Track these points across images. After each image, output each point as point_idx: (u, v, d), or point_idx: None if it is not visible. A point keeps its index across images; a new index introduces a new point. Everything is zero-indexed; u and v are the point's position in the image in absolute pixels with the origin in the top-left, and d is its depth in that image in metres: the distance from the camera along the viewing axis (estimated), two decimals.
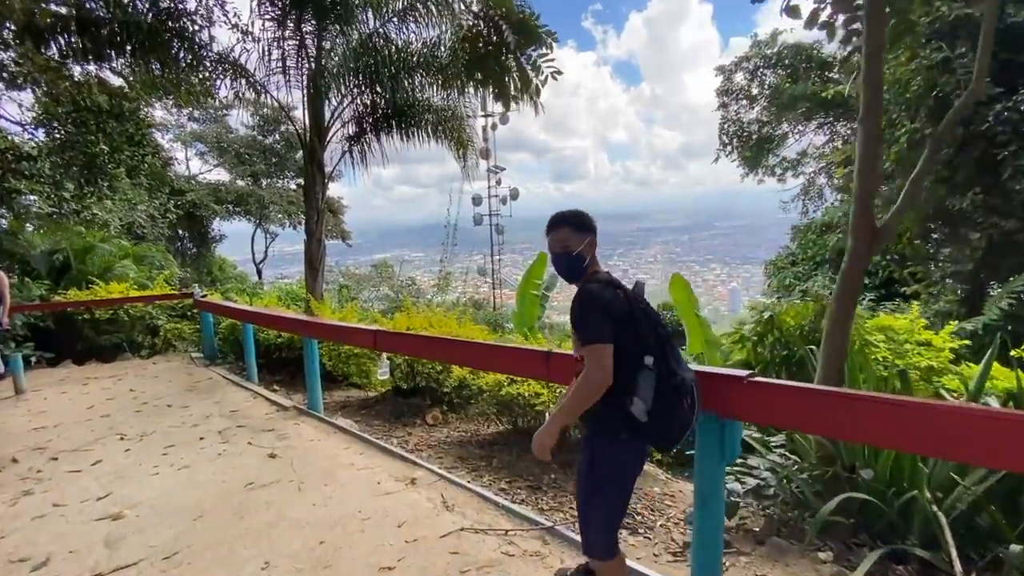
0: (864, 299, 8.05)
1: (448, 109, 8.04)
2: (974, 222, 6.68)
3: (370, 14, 7.17)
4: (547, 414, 2.45)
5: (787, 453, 2.92)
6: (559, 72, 3.97)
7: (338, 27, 7.05)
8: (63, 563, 2.77)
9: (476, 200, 22.33)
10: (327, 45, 7.33)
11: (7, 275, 5.80)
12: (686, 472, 4.36)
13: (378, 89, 7.66)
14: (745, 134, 14.30)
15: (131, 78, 8.27)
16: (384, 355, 4.10)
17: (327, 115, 7.63)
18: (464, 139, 8.13)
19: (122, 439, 4.64)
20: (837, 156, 9.90)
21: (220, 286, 15.50)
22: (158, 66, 7.31)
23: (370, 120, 7.98)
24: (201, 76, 7.84)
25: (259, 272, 22.02)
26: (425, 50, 7.32)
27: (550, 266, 12.25)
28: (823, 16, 3.56)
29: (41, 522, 3.22)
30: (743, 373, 2.12)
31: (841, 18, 3.51)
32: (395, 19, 7.22)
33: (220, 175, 21.06)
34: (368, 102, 7.72)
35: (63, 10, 6.73)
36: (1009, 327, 5.56)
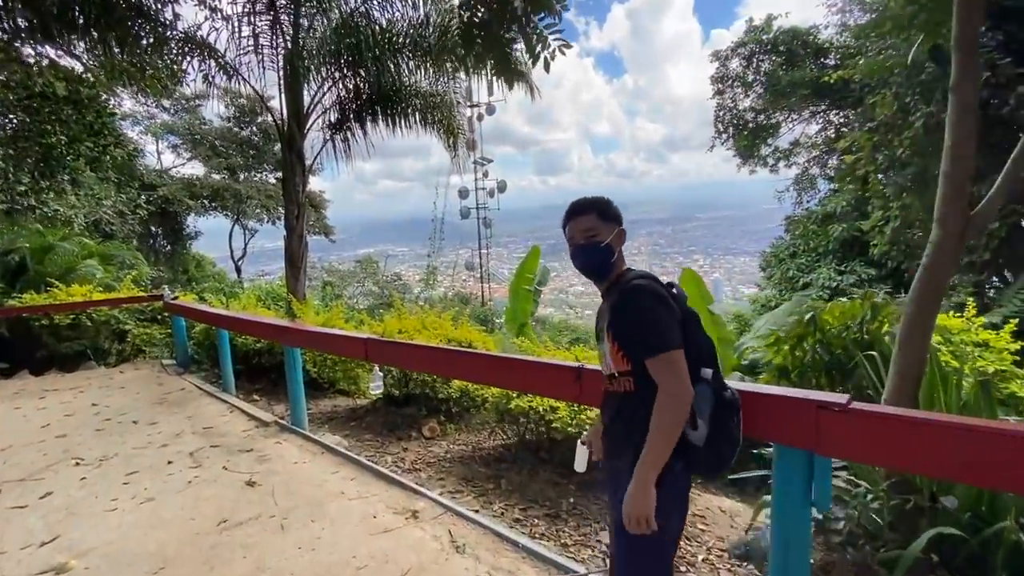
0: (880, 291, 7.76)
1: (437, 95, 7.51)
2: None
3: None
4: (580, 442, 2.00)
5: (853, 478, 2.52)
6: (568, 45, 3.49)
7: (314, 1, 6.46)
8: None
9: (463, 193, 21.78)
10: (304, 23, 6.74)
11: None
12: (704, 482, 3.98)
13: (361, 73, 7.11)
14: (741, 122, 13.97)
15: (89, 61, 7.57)
16: (376, 368, 3.63)
17: (306, 101, 7.05)
18: (454, 127, 7.61)
19: (78, 464, 4.09)
20: (843, 143, 9.59)
21: (196, 285, 14.77)
22: (117, 47, 6.65)
23: (353, 107, 7.42)
24: (167, 59, 7.19)
25: (238, 270, 21.19)
26: (412, 30, 6.78)
27: (543, 260, 11.80)
28: None
29: None
30: (840, 398, 1.70)
31: None
32: None
33: (195, 169, 20.16)
34: (351, 87, 7.15)
35: None
36: None
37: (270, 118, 11.29)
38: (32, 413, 5.45)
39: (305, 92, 7.21)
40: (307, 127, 7.05)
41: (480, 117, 18.89)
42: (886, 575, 2.31)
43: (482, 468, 4.00)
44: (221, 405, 5.39)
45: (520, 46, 3.92)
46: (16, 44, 6.99)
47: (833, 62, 12.63)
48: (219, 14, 6.46)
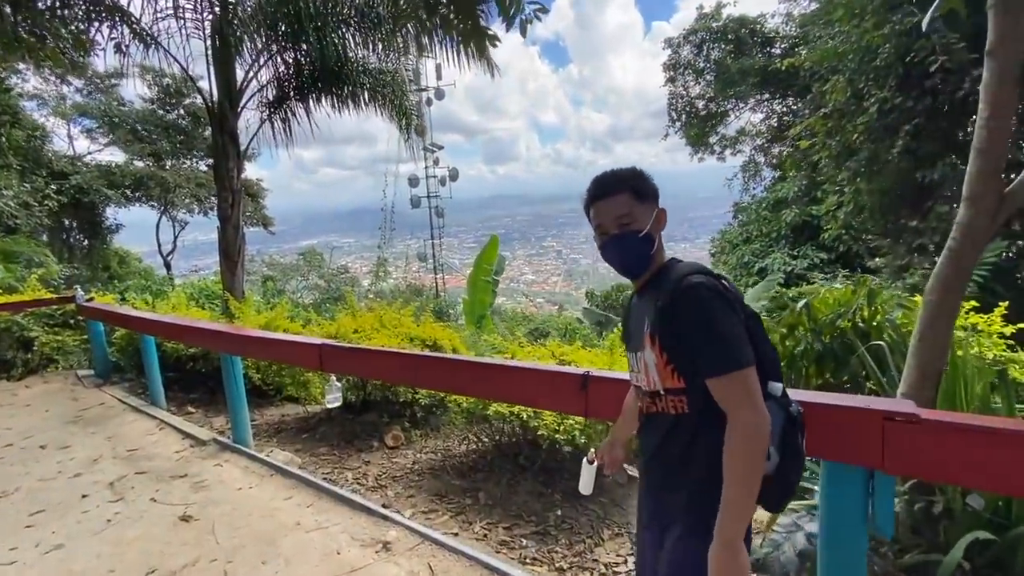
0: (836, 275, 7.95)
1: (387, 73, 6.94)
2: (941, 195, 6.59)
3: None
4: (587, 460, 1.69)
5: None
6: (544, 10, 3.13)
7: None
8: None
9: (413, 181, 21.01)
10: None
11: None
12: None
13: (303, 46, 6.44)
14: (692, 110, 14.06)
15: None
16: (333, 377, 3.16)
17: (240, 75, 6.31)
18: (406, 107, 7.07)
19: None
20: (795, 130, 9.74)
21: (118, 284, 13.42)
22: (10, 10, 5.68)
23: (293, 84, 6.73)
24: (72, 27, 6.24)
25: (167, 265, 19.56)
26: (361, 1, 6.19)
27: (502, 250, 11.46)
28: None
29: None
30: (907, 407, 1.45)
31: None
32: None
33: (114, 155, 18.31)
34: (290, 61, 6.46)
35: None
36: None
37: (199, 100, 10.30)
38: None
39: (238, 67, 6.47)
40: (241, 105, 6.32)
41: (429, 102, 18.17)
42: None
43: (456, 480, 3.63)
44: (148, 421, 4.73)
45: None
46: None
47: (779, 51, 12.89)
48: None
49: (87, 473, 3.75)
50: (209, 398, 5.56)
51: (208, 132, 15.42)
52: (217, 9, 5.82)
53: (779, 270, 9.38)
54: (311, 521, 2.93)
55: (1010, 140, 2.42)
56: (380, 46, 6.68)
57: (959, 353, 2.69)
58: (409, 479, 3.72)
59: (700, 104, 14.25)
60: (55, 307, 6.82)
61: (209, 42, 5.82)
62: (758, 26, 12.87)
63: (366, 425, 4.58)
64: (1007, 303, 3.18)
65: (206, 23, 5.84)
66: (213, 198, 11.25)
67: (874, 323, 3.05)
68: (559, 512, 3.10)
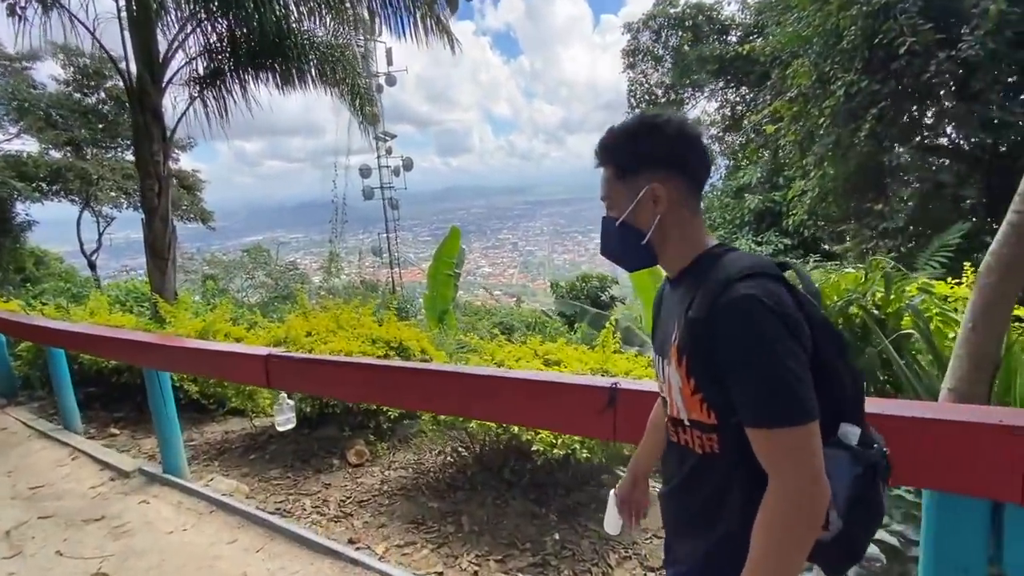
0: (808, 261, 7.95)
1: (337, 48, 6.30)
2: (903, 178, 6.63)
3: None
4: (614, 493, 1.29)
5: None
6: None
7: None
8: None
9: (364, 171, 20.05)
10: None
11: None
12: None
13: (239, 15, 5.71)
14: (652, 97, 13.96)
15: None
16: (284, 395, 2.63)
17: (163, 45, 5.51)
18: (360, 86, 6.46)
19: None
20: (754, 117, 9.71)
21: (31, 287, 12.03)
22: None
23: (228, 57, 5.98)
24: None
25: (92, 265, 17.85)
26: None
27: (462, 240, 10.97)
28: None
29: None
30: None
31: None
32: None
33: (25, 144, 16.44)
34: (224, 31, 5.72)
35: None
36: None
37: (123, 83, 9.25)
38: None
39: (161, 36, 5.66)
40: (165, 80, 5.52)
41: (379, 88, 17.26)
42: None
43: (433, 502, 3.17)
44: (59, 450, 4.00)
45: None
46: None
47: (735, 39, 12.93)
48: None
49: None
50: (137, 416, 4.83)
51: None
52: None
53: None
54: (262, 570, 2.41)
55: None
56: (328, 17, 6.04)
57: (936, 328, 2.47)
58: (378, 503, 3.24)
59: (660, 92, 14.18)
60: None
61: (124, 2, 4.99)
62: (715, 13, 12.87)
63: (324, 440, 4.05)
64: None
65: None
66: None
67: (890, 310, 2.81)
68: (557, 536, 2.71)
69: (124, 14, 5.02)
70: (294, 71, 6.19)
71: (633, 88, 14.43)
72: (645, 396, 1.53)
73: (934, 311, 2.67)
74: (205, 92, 6.03)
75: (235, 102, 6.15)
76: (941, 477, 1.23)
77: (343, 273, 22.15)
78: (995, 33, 5.43)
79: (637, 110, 14.68)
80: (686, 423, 0.96)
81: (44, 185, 15.85)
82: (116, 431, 4.62)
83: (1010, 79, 5.83)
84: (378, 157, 20.16)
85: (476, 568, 2.50)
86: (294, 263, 23.02)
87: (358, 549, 2.59)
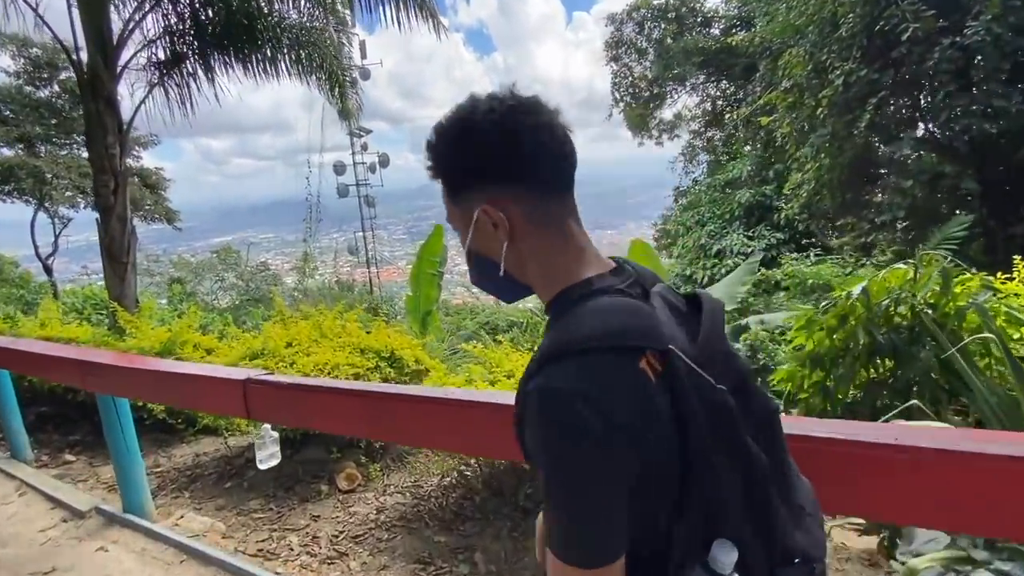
0: (809, 255, 7.78)
1: (313, 30, 5.83)
2: (903, 168, 6.50)
3: None
4: None
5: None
6: None
7: None
8: None
9: (339, 168, 19.38)
10: None
11: None
12: None
13: None
14: (636, 91, 13.75)
15: None
16: (266, 426, 2.22)
17: (118, 25, 4.96)
18: (338, 72, 6.00)
19: None
20: (743, 111, 9.54)
21: None
22: None
23: (192, 40, 5.45)
24: None
25: (48, 270, 16.82)
26: None
27: (446, 238, 10.60)
28: None
29: None
30: None
31: None
32: None
33: None
34: (186, 9, 5.19)
35: None
36: None
37: (72, 67, 8.55)
38: None
39: (116, 16, 5.11)
40: (120, 64, 4.97)
41: (365, 76, 16.63)
42: None
43: (440, 535, 2.81)
44: (5, 484, 3.49)
45: None
46: None
47: (718, 31, 12.80)
48: None
49: None
50: (95, 439, 4.31)
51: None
52: None
53: (738, 252, 9.23)
54: None
55: None
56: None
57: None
58: (376, 538, 2.87)
59: (643, 85, 13.97)
60: None
61: None
62: (698, 4, 12.72)
63: (310, 464, 3.64)
64: None
65: None
66: None
67: (947, 309, 2.56)
68: None
69: None
70: (266, 57, 5.70)
71: (617, 81, 14.20)
72: None
73: (1001, 310, 2.42)
74: (166, 79, 5.49)
75: (199, 89, 5.63)
76: None
77: (317, 273, 21.45)
78: (1000, 19, 5.31)
79: (621, 103, 14.47)
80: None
81: None
82: (71, 457, 4.12)
83: (1011, 66, 5.73)
84: (352, 153, 19.52)
85: None
86: (265, 264, 22.21)
87: None
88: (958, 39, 5.55)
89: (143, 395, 2.52)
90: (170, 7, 5.11)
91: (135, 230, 5.23)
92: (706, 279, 9.56)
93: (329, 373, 3.47)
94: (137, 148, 16.29)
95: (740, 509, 0.62)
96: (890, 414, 2.32)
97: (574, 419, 0.56)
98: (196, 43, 5.48)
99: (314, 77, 5.97)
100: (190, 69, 5.64)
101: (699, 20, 12.71)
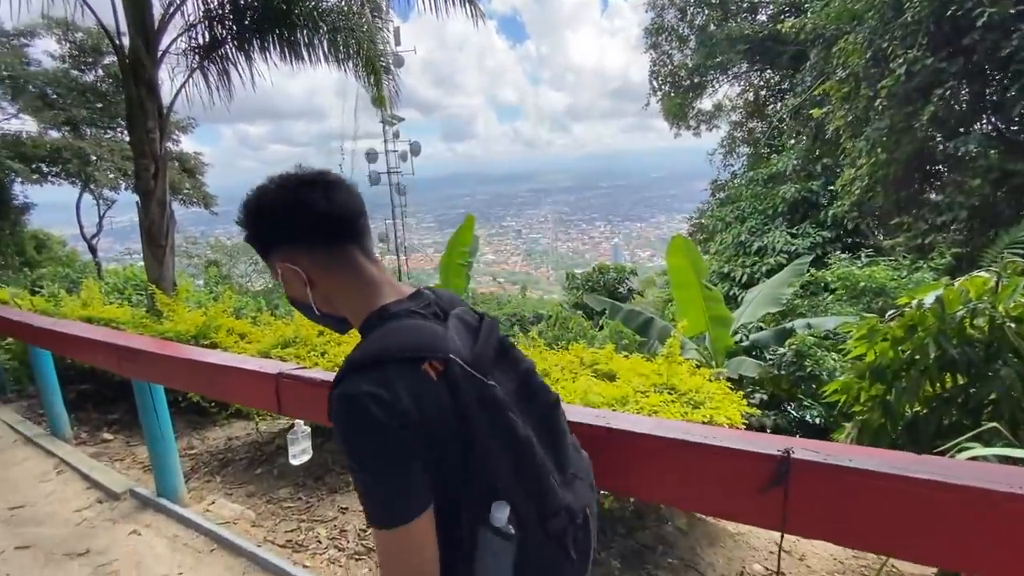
0: (860, 256, 7.34)
1: (350, 15, 5.76)
2: (970, 165, 6.06)
3: None
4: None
5: None
6: None
7: None
8: None
9: (371, 156, 19.49)
10: None
11: None
12: None
13: None
14: (675, 79, 13.29)
15: None
16: (299, 422, 2.17)
17: (159, 10, 4.98)
18: (375, 59, 5.92)
19: None
20: (792, 101, 9.09)
21: (29, 272, 11.64)
22: None
23: (231, 25, 5.46)
24: None
25: (92, 249, 17.47)
26: None
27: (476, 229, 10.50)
28: None
29: None
30: None
31: None
32: None
33: (24, 124, 15.93)
34: None
35: None
36: None
37: (115, 51, 8.73)
38: None
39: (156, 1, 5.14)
40: (162, 49, 5.01)
41: (399, 62, 16.61)
42: None
43: None
44: (44, 461, 3.58)
45: None
46: None
47: (765, 17, 12.24)
48: None
49: None
50: (133, 418, 4.38)
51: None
52: None
53: (780, 250, 8.82)
54: None
55: None
56: None
57: None
58: None
59: (682, 73, 13.49)
60: None
61: None
62: None
63: (340, 454, 3.61)
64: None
65: None
66: None
67: None
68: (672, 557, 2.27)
69: None
70: (303, 42, 5.67)
71: (655, 69, 13.72)
72: (826, 471, 1.05)
73: None
74: (205, 64, 5.51)
75: (239, 75, 5.64)
76: None
77: None
78: None
79: (660, 92, 14.01)
80: None
81: (44, 167, 15.38)
82: (109, 436, 4.21)
83: None
84: (385, 141, 19.59)
85: None
86: None
87: None
88: None
89: (176, 383, 2.50)
90: None
91: (174, 214, 5.29)
92: (745, 277, 9.17)
93: None
94: (176, 132, 16.66)
95: (513, 477, 0.79)
96: (963, 437, 2.13)
97: (365, 416, 0.72)
98: (235, 27, 5.48)
99: (351, 63, 5.91)
100: (229, 54, 5.65)
101: (745, 6, 12.16)
